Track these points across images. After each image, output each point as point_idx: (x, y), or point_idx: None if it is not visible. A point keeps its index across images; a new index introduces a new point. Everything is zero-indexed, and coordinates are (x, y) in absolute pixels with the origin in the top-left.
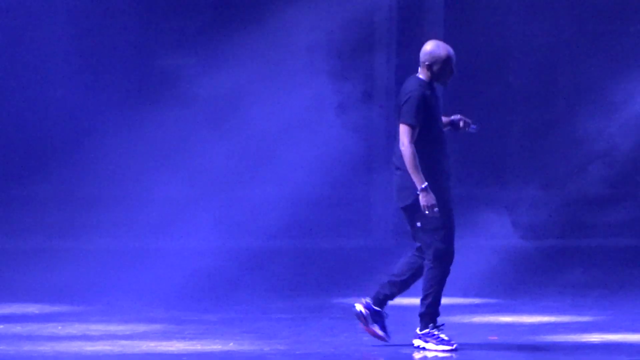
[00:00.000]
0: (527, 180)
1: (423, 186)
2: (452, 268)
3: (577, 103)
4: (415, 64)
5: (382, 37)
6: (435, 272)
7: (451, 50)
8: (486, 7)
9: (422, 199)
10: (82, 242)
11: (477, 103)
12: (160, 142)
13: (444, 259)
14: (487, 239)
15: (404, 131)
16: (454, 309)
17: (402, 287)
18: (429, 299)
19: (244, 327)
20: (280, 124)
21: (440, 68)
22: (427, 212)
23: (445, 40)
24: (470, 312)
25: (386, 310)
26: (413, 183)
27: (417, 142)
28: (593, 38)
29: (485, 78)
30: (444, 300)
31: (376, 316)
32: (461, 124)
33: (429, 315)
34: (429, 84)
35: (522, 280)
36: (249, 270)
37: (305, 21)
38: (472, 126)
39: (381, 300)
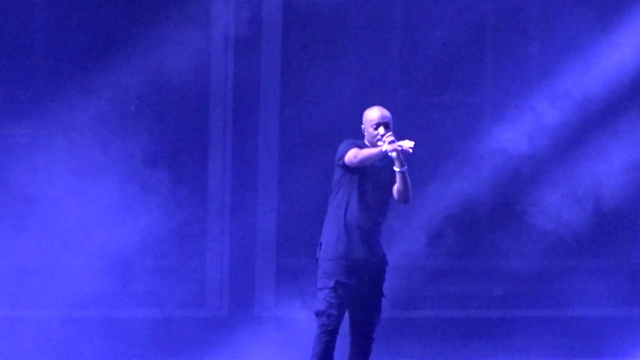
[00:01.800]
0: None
1: (381, 149)
2: None
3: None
4: None
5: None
6: (316, 333)
7: (379, 112)
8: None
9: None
10: None
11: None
12: None
13: (320, 320)
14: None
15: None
16: None
17: None
18: None
19: None
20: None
21: (366, 129)
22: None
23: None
24: None
25: None
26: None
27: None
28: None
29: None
30: None
31: None
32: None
33: None
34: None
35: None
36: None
37: None
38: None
39: None
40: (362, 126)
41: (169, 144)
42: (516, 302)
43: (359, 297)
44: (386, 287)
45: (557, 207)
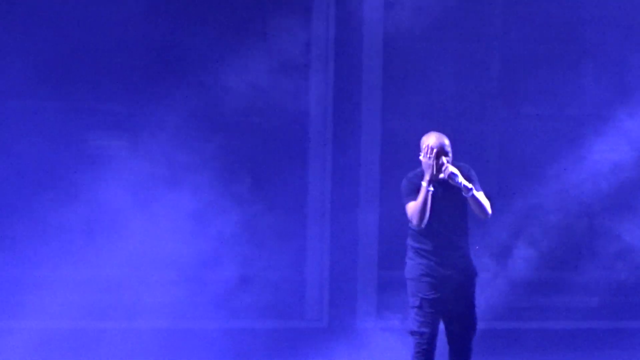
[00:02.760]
0: None
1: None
2: None
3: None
4: None
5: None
6: (412, 353)
7: (432, 138)
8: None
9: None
10: None
11: None
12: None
13: (413, 339)
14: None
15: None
16: None
17: None
18: None
19: None
20: None
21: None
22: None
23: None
24: None
25: None
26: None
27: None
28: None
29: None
30: None
31: None
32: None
33: None
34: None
35: None
36: (173, 352)
37: None
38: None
39: None
40: (421, 153)
41: (273, 155)
42: (618, 314)
43: (450, 310)
44: (486, 299)
45: None
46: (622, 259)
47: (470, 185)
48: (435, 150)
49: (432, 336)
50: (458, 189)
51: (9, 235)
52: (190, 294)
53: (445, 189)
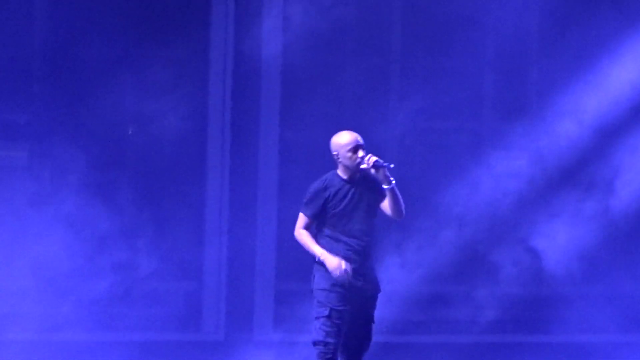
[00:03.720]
0: None
1: (320, 254)
2: None
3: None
4: None
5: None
6: None
7: (352, 136)
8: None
9: (328, 265)
10: None
11: None
12: None
13: (318, 349)
14: None
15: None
16: None
17: None
18: None
19: None
20: None
21: (344, 155)
22: (337, 273)
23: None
24: None
25: None
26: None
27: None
28: None
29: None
30: None
31: None
32: (372, 171)
33: None
34: (337, 176)
35: None
36: None
37: None
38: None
39: None
40: (334, 153)
41: (170, 166)
42: None
43: (352, 323)
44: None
45: None
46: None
47: (392, 180)
48: (354, 145)
49: (337, 347)
50: (372, 193)
51: None
52: (76, 305)
53: (361, 191)
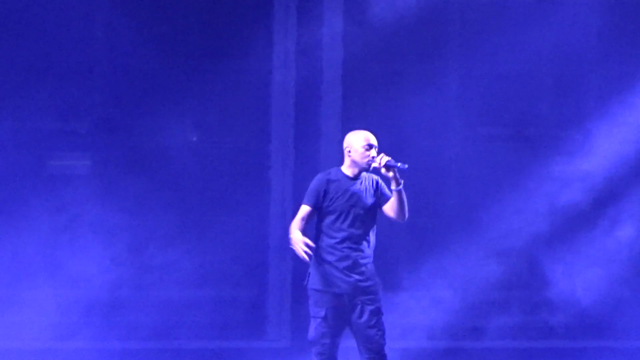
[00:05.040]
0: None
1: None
2: None
3: (468, 205)
4: None
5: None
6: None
7: (368, 135)
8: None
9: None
10: None
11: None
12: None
13: (314, 349)
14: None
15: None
16: None
17: None
18: None
19: None
20: None
21: (356, 151)
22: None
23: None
24: None
25: None
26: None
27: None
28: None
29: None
30: None
31: None
32: (382, 171)
33: None
34: (340, 172)
35: None
36: None
37: None
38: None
39: None
40: (346, 149)
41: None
42: None
43: (357, 319)
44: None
45: None
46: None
47: (401, 181)
48: (368, 143)
49: (333, 346)
50: (374, 194)
51: None
52: (142, 312)
53: (360, 192)
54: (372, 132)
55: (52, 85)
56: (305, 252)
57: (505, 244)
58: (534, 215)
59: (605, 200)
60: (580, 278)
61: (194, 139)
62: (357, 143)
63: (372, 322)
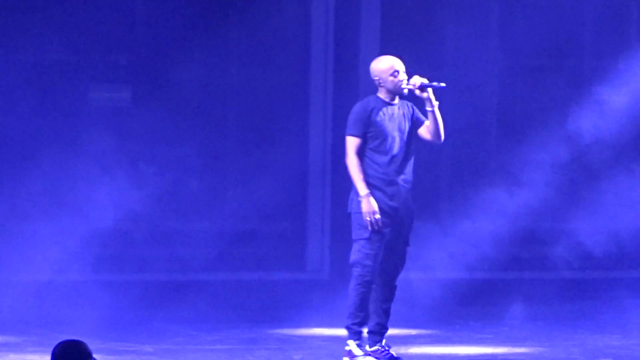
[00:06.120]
0: (461, 214)
1: (363, 194)
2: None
3: (510, 138)
4: None
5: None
6: (351, 284)
7: (393, 60)
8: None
9: (363, 206)
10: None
11: None
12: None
13: (356, 271)
14: (423, 272)
15: (346, 142)
16: (390, 339)
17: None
18: (348, 310)
19: (181, 357)
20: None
21: (385, 80)
22: (367, 218)
23: None
24: (406, 343)
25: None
26: (356, 191)
27: (360, 153)
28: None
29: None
30: None
31: None
32: (417, 92)
33: (349, 329)
34: (378, 98)
35: (458, 312)
36: (179, 304)
37: None
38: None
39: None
40: (375, 78)
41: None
42: None
43: (388, 247)
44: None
45: None
46: None
47: (435, 102)
48: (395, 69)
49: (374, 269)
50: (411, 118)
51: None
52: (188, 244)
53: (400, 116)
54: (412, 63)
55: (92, 16)
56: None
57: (546, 176)
58: (577, 147)
59: None
60: (624, 209)
61: (233, 72)
62: (385, 72)
63: (400, 252)
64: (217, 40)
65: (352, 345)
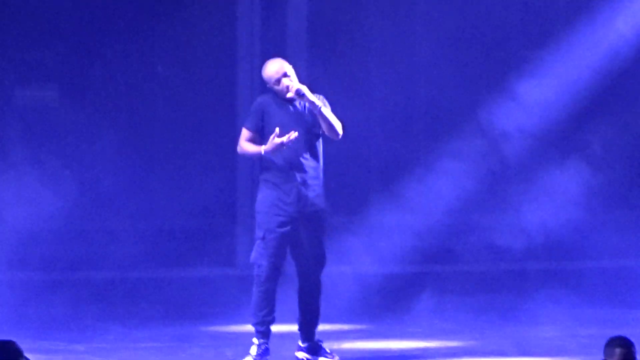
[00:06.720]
0: (386, 207)
1: (262, 150)
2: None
3: (438, 130)
4: None
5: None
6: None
7: (277, 66)
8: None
9: (270, 151)
10: None
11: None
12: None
13: (254, 271)
14: (349, 266)
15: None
16: (323, 335)
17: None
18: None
19: (114, 356)
20: None
21: (272, 85)
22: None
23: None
24: (339, 339)
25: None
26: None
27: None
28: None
29: (347, 105)
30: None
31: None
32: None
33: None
34: (275, 95)
35: (387, 306)
36: (111, 301)
37: None
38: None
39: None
40: (267, 84)
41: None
42: None
43: (298, 245)
44: None
45: None
46: None
47: (319, 103)
48: (278, 77)
49: (270, 269)
50: (310, 122)
51: None
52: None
53: (300, 112)
54: (338, 55)
55: (21, 15)
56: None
57: (483, 167)
58: (513, 137)
59: (573, 122)
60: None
61: (160, 69)
62: (269, 78)
63: (312, 249)
64: (143, 37)
65: (254, 343)
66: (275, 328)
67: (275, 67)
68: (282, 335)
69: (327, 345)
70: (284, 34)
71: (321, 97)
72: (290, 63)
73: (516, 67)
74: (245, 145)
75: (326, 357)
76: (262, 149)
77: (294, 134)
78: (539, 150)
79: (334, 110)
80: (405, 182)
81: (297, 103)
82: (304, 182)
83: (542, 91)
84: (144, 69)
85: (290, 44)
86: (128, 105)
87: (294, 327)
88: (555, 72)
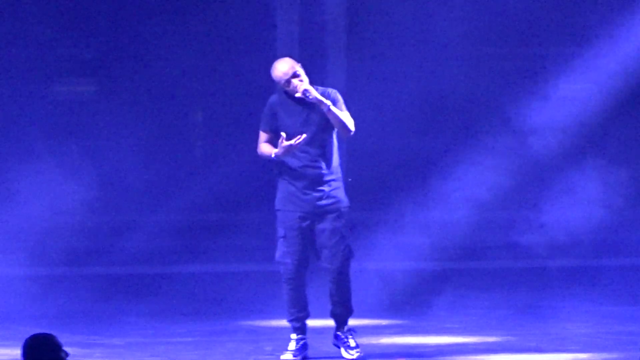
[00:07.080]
0: (419, 203)
1: (273, 154)
2: (357, 290)
3: (464, 126)
4: None
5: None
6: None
7: (285, 67)
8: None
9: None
10: None
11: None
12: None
13: (280, 269)
14: (386, 262)
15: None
16: (360, 330)
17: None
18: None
19: (150, 350)
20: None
21: (281, 86)
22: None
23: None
24: (376, 334)
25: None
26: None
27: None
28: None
29: (374, 101)
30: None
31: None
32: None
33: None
34: (284, 94)
35: (426, 302)
36: (146, 296)
37: None
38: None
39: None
40: (278, 85)
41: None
42: None
43: (319, 240)
44: None
45: None
46: None
47: (328, 102)
48: (286, 79)
49: (294, 266)
50: (322, 119)
51: None
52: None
53: (309, 109)
54: (375, 52)
55: (58, 11)
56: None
57: (508, 163)
58: (538, 134)
59: (608, 117)
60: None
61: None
62: (279, 79)
63: (333, 243)
64: (179, 33)
65: (292, 339)
66: (314, 323)
67: (284, 68)
68: (321, 330)
69: (360, 340)
70: (323, 31)
71: (334, 91)
72: (328, 59)
73: (544, 64)
74: (262, 147)
75: (347, 350)
76: (273, 152)
77: (302, 137)
78: (561, 148)
79: (363, 104)
80: (435, 178)
81: (309, 98)
82: (319, 178)
83: (570, 88)
84: (179, 65)
85: (327, 41)
86: (158, 100)
87: (314, 323)
88: (584, 70)
